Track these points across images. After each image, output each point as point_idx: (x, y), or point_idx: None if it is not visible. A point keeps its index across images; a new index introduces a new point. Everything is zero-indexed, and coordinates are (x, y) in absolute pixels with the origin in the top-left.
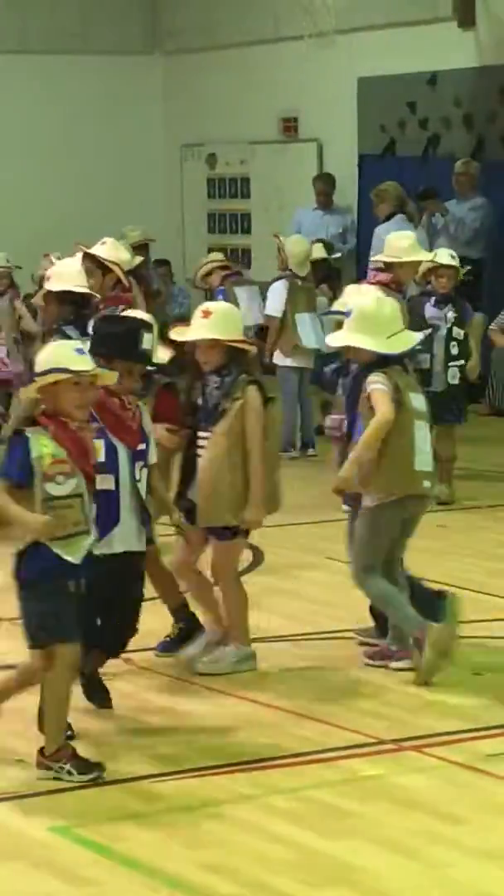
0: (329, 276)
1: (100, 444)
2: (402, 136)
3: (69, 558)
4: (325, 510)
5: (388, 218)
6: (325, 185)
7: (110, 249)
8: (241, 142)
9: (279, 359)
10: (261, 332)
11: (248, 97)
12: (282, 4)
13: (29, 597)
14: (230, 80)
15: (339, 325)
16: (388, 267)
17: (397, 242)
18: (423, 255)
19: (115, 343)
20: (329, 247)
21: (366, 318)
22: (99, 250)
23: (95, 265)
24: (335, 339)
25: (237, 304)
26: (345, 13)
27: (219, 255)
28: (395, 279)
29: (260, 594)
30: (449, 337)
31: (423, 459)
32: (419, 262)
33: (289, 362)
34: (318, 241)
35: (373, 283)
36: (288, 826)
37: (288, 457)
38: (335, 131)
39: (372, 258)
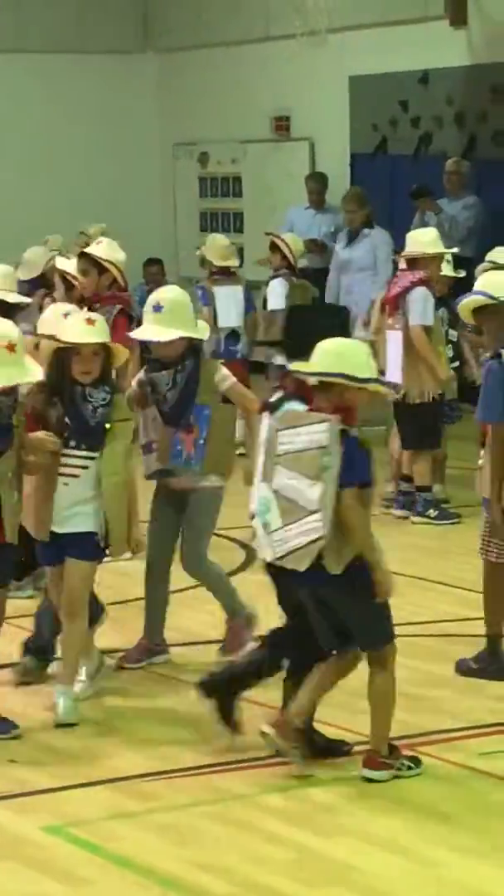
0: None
1: None
2: (393, 134)
3: None
4: None
5: (370, 224)
6: (317, 184)
7: (107, 249)
8: (233, 140)
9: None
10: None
11: (240, 96)
12: (273, 3)
13: None
14: (222, 79)
15: None
16: (414, 262)
17: (422, 237)
18: (447, 250)
19: None
20: (322, 246)
21: None
22: (95, 249)
23: (91, 264)
24: None
25: (214, 304)
26: (336, 12)
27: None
28: (426, 277)
29: (253, 593)
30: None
31: None
32: (443, 256)
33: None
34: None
35: (416, 282)
36: (282, 825)
37: None
38: (327, 130)
39: (399, 255)
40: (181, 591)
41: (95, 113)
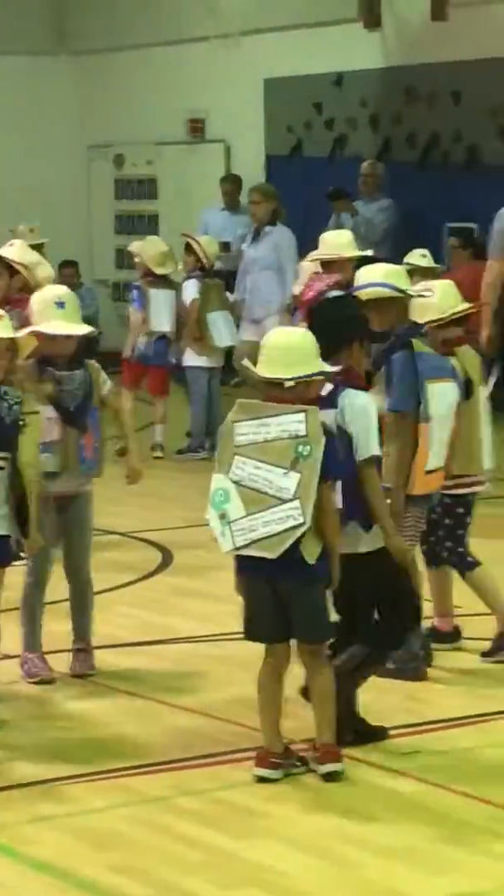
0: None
1: None
2: (308, 136)
3: None
4: None
5: (272, 222)
6: (232, 185)
7: (18, 251)
8: (149, 142)
9: (190, 359)
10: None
11: (155, 98)
12: (187, 6)
13: None
14: (137, 82)
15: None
16: (329, 265)
17: (337, 240)
18: (360, 252)
19: None
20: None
21: None
22: (6, 251)
23: (3, 266)
24: None
25: (148, 305)
26: (250, 14)
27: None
28: (341, 280)
29: (170, 595)
30: None
31: None
32: (357, 259)
33: (199, 362)
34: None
35: (332, 285)
36: (198, 827)
37: (198, 458)
38: (242, 132)
39: (310, 259)
40: (97, 593)
41: (10, 115)
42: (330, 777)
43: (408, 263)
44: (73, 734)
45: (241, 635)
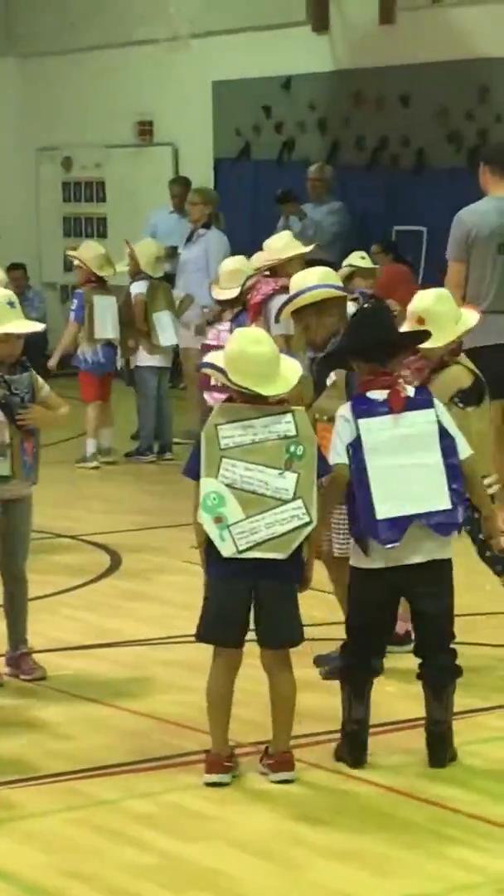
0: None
1: None
2: (257, 139)
3: None
4: (182, 514)
5: (207, 224)
6: (180, 188)
7: None
8: (97, 145)
9: (141, 359)
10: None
11: (104, 100)
12: (136, 8)
13: None
14: (85, 84)
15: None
16: (276, 270)
17: (275, 244)
18: (304, 248)
19: None
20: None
21: None
22: None
23: None
24: None
25: (92, 312)
26: (199, 17)
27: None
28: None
29: (119, 598)
30: None
31: None
32: (303, 256)
33: (149, 362)
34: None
35: (277, 289)
36: (147, 830)
37: (146, 460)
38: (190, 135)
39: (256, 267)
40: (42, 598)
41: None
42: (281, 783)
43: (349, 265)
44: (21, 738)
45: (190, 639)
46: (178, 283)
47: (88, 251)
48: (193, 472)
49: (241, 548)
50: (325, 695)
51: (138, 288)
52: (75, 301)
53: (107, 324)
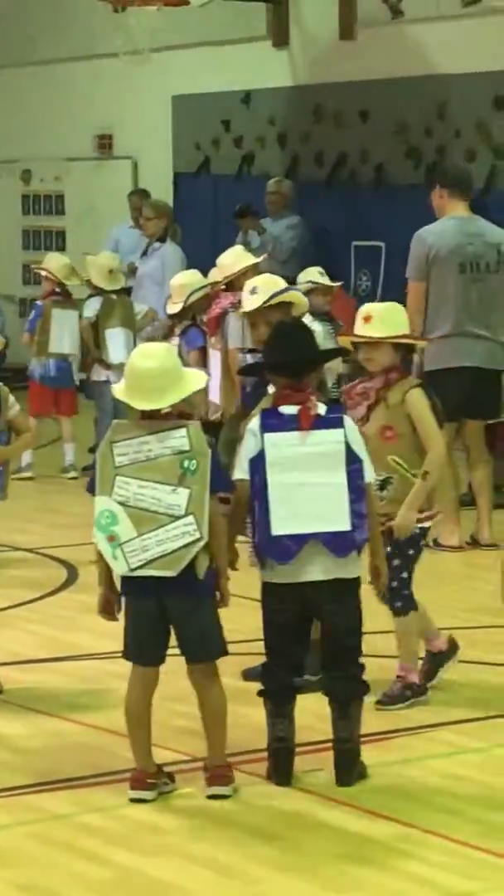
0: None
1: None
2: (216, 154)
3: None
4: None
5: (162, 238)
6: (139, 199)
7: None
8: (56, 158)
9: (96, 373)
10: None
11: (63, 113)
12: (97, 21)
13: None
14: (45, 97)
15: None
16: (230, 284)
17: (225, 261)
18: (254, 259)
19: None
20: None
21: None
22: None
23: None
24: None
25: (47, 325)
26: (160, 31)
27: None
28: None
29: (76, 612)
30: None
31: None
32: (255, 266)
33: (104, 377)
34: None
35: (236, 304)
36: (103, 844)
37: None
38: (150, 149)
39: (212, 282)
40: (2, 609)
41: None
42: (215, 799)
43: (308, 281)
44: None
45: None
46: (136, 297)
47: (54, 261)
48: (90, 487)
49: (132, 566)
50: None
51: (88, 310)
52: (33, 312)
53: (63, 338)
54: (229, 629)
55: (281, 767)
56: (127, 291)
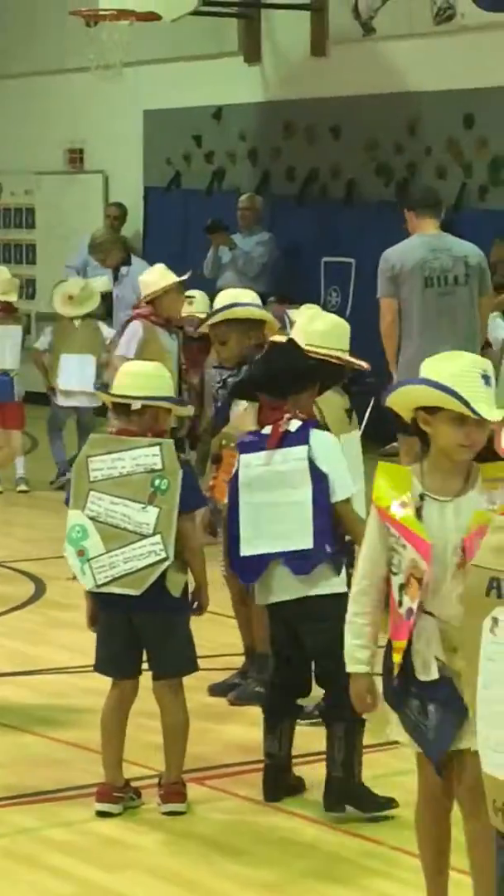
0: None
1: None
2: (187, 169)
3: None
4: None
5: (127, 261)
6: (118, 210)
7: None
8: (27, 172)
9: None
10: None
11: (34, 127)
12: (69, 35)
13: None
14: (16, 110)
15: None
16: (153, 303)
17: (149, 278)
18: (177, 278)
19: None
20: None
21: None
22: None
23: None
24: None
25: None
26: (132, 46)
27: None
28: (156, 311)
29: (42, 626)
30: None
31: None
32: (181, 284)
33: (58, 400)
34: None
35: (134, 316)
36: (66, 859)
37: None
38: (121, 163)
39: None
40: None
41: None
42: (171, 815)
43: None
44: None
45: None
46: (116, 320)
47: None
48: (66, 499)
49: (99, 582)
50: (248, 725)
51: (43, 338)
52: None
53: (3, 353)
54: (197, 643)
55: (267, 783)
56: (108, 311)
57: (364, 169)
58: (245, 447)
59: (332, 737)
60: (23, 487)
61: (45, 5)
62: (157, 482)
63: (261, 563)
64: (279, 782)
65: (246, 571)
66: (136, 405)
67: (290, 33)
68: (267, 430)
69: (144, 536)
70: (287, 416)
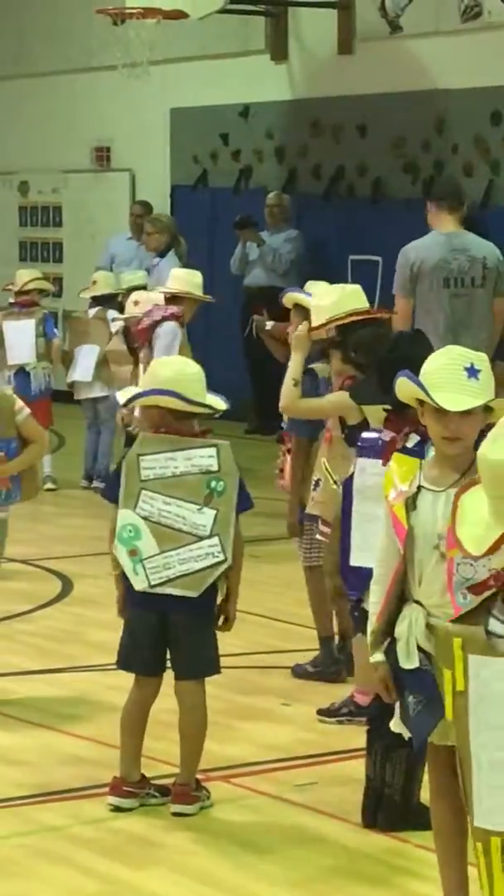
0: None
1: None
2: (214, 167)
3: None
4: None
5: (163, 253)
6: (142, 208)
7: None
8: (54, 170)
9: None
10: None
11: (61, 125)
12: (96, 34)
13: None
14: (43, 109)
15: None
16: (174, 300)
17: (193, 279)
18: (207, 297)
19: None
20: None
21: None
22: None
23: None
24: None
25: (2, 339)
26: (158, 44)
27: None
28: (179, 314)
29: (70, 624)
30: None
31: None
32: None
33: (76, 393)
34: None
35: (167, 316)
36: (94, 857)
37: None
38: (148, 161)
39: (159, 289)
40: None
41: None
42: (179, 816)
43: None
44: None
45: None
46: None
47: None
48: (110, 495)
49: (153, 582)
50: (276, 723)
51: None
52: None
53: (21, 349)
54: (228, 643)
55: (365, 805)
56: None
57: (391, 167)
58: (364, 450)
59: (392, 761)
60: (49, 486)
61: (72, 4)
62: (213, 484)
63: (369, 578)
64: (373, 805)
65: (353, 582)
66: (187, 407)
67: (316, 31)
68: (387, 434)
69: (201, 538)
70: (407, 429)
